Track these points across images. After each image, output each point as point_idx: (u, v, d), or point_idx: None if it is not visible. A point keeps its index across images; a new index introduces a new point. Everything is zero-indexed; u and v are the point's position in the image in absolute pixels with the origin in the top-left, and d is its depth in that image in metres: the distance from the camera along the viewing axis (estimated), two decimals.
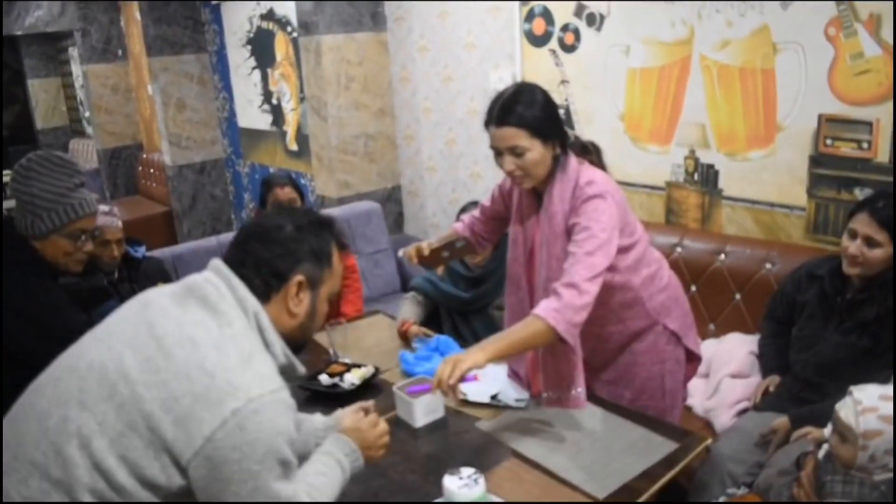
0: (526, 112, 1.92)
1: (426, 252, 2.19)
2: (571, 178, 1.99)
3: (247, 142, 6.05)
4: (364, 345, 2.65)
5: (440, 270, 2.24)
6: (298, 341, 1.48)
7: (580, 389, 2.01)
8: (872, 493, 1.60)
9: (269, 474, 1.25)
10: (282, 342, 1.40)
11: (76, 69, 9.42)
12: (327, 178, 4.52)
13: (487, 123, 1.97)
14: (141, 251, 3.04)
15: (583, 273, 1.85)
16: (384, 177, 4.63)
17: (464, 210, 2.97)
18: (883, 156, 2.57)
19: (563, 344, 1.86)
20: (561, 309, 1.82)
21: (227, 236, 3.75)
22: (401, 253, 2.25)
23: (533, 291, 2.11)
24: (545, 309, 1.83)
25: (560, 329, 1.81)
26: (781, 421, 2.18)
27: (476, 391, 2.22)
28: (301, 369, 1.47)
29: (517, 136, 1.92)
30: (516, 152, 1.93)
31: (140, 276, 2.98)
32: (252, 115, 5.85)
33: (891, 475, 1.60)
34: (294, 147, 5.43)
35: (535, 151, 1.93)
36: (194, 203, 6.39)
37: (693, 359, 2.28)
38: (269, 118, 5.63)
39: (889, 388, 1.63)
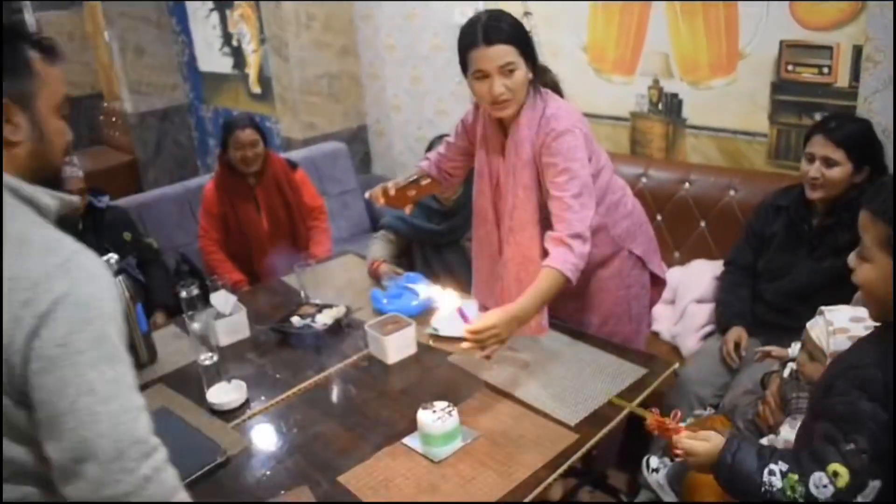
0: (512, 29, 1.91)
1: (392, 192, 2.17)
2: (539, 106, 1.99)
3: (209, 86, 5.93)
4: (335, 285, 2.66)
5: (408, 210, 2.23)
6: (47, 171, 1.29)
7: (543, 319, 2.06)
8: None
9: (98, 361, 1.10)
10: (37, 187, 1.22)
11: (29, 17, 9.11)
12: (292, 120, 4.46)
13: (470, 47, 1.90)
14: (104, 201, 3.01)
15: (585, 221, 1.89)
16: (349, 116, 4.57)
17: (431, 145, 2.96)
18: (843, 80, 2.58)
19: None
20: (577, 262, 1.87)
21: (194, 182, 3.72)
22: (367, 195, 2.24)
23: (500, 222, 2.13)
24: (562, 263, 1.85)
25: (573, 279, 1.87)
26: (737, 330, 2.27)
27: (447, 326, 2.24)
28: (72, 198, 1.30)
29: (509, 53, 1.89)
30: (509, 69, 1.89)
31: (104, 226, 2.95)
32: (212, 59, 5.71)
33: None
34: (257, 90, 5.34)
35: (522, 70, 1.92)
36: (159, 151, 6.28)
37: (658, 283, 2.32)
38: (230, 61, 5.51)
39: (860, 310, 1.67)
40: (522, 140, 1.99)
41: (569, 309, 2.25)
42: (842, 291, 2.06)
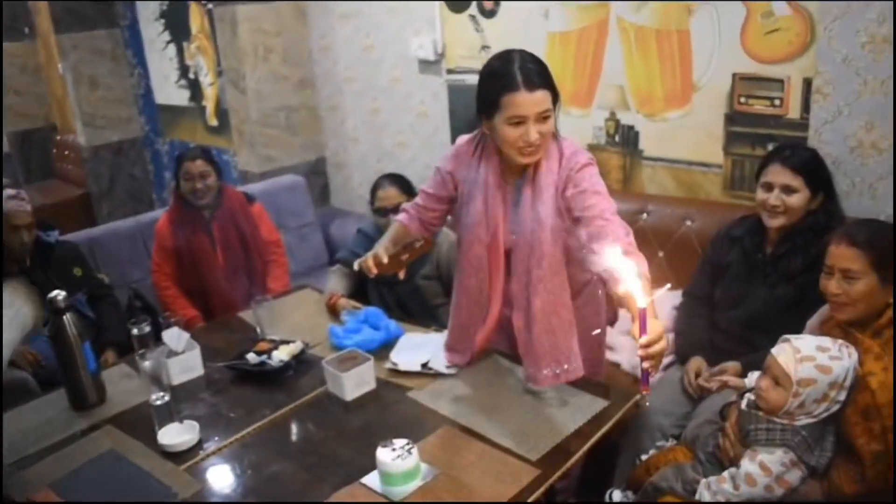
0: (547, 73, 1.87)
1: (384, 260, 2.01)
2: (556, 150, 1.96)
3: (165, 119, 5.87)
4: (292, 320, 2.62)
5: (402, 274, 2.13)
6: None
7: (578, 361, 2.01)
8: (794, 437, 1.66)
9: None
10: None
11: None
12: (249, 153, 4.42)
13: (505, 90, 1.82)
14: (53, 236, 2.93)
15: (630, 235, 1.84)
16: (308, 149, 4.54)
17: (376, 187, 2.90)
18: (794, 112, 2.64)
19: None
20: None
21: (147, 216, 3.65)
22: (356, 266, 2.08)
23: (495, 272, 2.05)
24: (644, 265, 1.74)
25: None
26: (734, 365, 2.24)
27: (406, 361, 2.21)
28: None
29: (547, 99, 1.84)
30: (544, 116, 1.84)
31: (53, 261, 2.87)
32: (169, 91, 5.66)
33: (812, 420, 1.66)
34: (214, 122, 5.29)
35: (553, 116, 1.88)
36: (113, 185, 6.17)
37: (611, 301, 2.32)
38: (186, 94, 5.46)
39: (825, 340, 1.69)
40: (547, 185, 1.94)
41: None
42: (793, 317, 2.10)
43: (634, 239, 1.85)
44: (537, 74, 1.83)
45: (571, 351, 2.00)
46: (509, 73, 1.83)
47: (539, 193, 1.95)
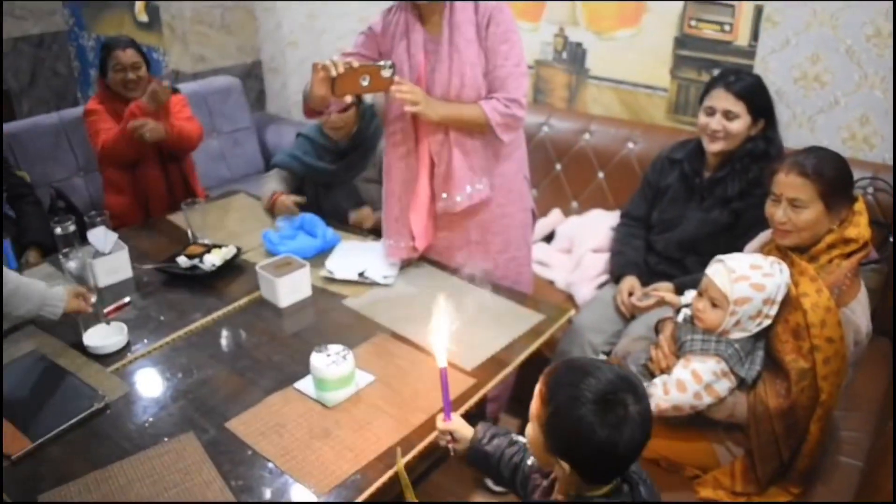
0: None
1: (341, 69, 1.83)
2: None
3: (90, 13, 5.53)
4: (225, 225, 2.55)
5: (348, 100, 1.94)
6: None
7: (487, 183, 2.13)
8: (728, 349, 1.71)
9: None
10: None
11: None
12: (181, 52, 4.21)
13: None
14: None
15: (521, 89, 2.03)
16: (244, 51, 4.36)
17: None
18: (743, 39, 2.63)
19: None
20: (504, 115, 2.01)
21: (71, 112, 3.44)
22: (321, 63, 1.88)
23: (421, 129, 2.10)
24: (490, 108, 2.00)
25: (495, 126, 2.02)
26: (667, 284, 2.28)
27: (343, 269, 2.18)
28: None
29: None
30: None
31: None
32: None
33: (746, 333, 1.71)
34: (144, 17, 5.01)
35: None
36: (34, 80, 5.83)
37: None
38: None
39: (757, 258, 1.72)
40: (462, 21, 2.00)
41: (473, 242, 2.23)
42: (726, 241, 2.14)
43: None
44: None
45: (484, 171, 2.12)
46: None
47: (458, 27, 1.99)
